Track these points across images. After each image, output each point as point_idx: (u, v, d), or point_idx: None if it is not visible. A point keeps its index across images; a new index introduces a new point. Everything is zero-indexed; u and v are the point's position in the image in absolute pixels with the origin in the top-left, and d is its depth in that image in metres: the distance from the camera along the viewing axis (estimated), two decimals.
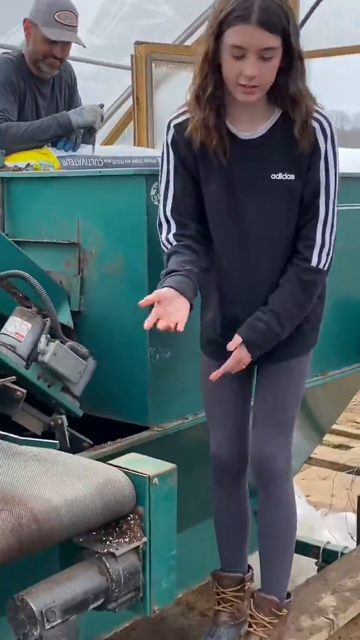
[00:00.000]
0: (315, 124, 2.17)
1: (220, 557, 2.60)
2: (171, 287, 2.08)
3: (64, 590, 1.62)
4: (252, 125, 2.19)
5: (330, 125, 2.19)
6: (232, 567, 2.57)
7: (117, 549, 1.67)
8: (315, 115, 2.17)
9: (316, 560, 3.45)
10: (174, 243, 2.23)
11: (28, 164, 3.02)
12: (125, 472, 1.73)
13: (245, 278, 2.30)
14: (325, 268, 2.28)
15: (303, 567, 3.60)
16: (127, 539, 1.70)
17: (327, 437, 4.19)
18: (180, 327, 2.07)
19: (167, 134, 2.25)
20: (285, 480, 2.41)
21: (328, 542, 3.54)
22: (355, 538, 3.66)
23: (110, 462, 1.80)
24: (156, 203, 2.35)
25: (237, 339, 2.22)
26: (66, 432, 2.26)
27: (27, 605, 1.55)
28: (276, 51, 2.04)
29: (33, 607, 1.55)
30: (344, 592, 2.78)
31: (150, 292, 2.31)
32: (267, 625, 2.38)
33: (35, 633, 1.56)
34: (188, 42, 6.68)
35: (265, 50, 2.02)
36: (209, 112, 2.13)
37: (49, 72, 3.51)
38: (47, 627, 1.56)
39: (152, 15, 6.32)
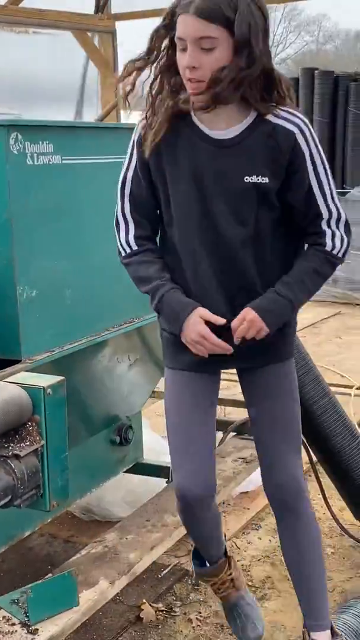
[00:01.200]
0: (293, 128, 2.06)
1: (204, 557, 2.61)
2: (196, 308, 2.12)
3: None
4: (227, 125, 2.08)
5: (308, 127, 2.09)
6: (218, 558, 2.59)
7: (20, 451, 1.91)
8: (291, 117, 2.06)
9: (167, 480, 3.78)
10: (135, 247, 2.22)
11: None
12: (21, 387, 1.96)
13: (212, 282, 2.18)
14: (342, 254, 2.19)
15: (153, 488, 3.95)
16: (28, 443, 1.94)
17: None
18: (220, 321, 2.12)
19: (134, 133, 2.20)
20: (307, 496, 2.37)
21: None
22: None
23: (5, 380, 2.02)
24: (15, 150, 2.50)
25: (244, 310, 2.12)
26: None
27: None
28: (216, 41, 1.92)
29: None
30: None
31: (14, 236, 2.54)
32: None
33: None
34: None
35: (202, 40, 1.92)
36: (164, 111, 2.07)
37: None
38: None
39: None
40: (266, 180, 2.07)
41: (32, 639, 2.19)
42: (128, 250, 2.23)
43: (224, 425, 3.93)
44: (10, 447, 1.92)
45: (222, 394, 4.35)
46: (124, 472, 3.84)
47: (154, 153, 2.11)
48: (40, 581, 2.38)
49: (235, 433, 3.85)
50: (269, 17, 2.01)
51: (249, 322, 2.08)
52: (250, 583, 3.39)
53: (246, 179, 2.07)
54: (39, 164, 2.62)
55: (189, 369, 2.24)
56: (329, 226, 2.15)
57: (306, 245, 2.23)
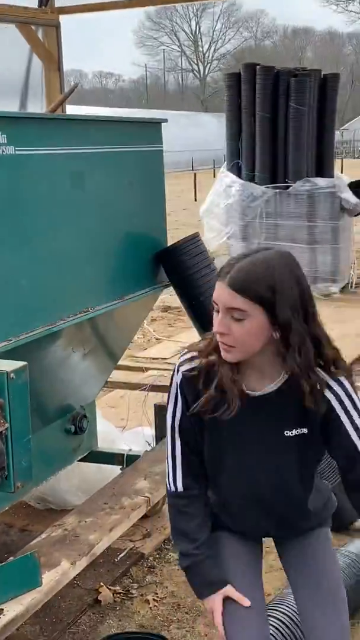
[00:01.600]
0: (330, 395, 2.02)
1: None
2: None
3: None
4: (261, 381, 2.04)
5: (346, 392, 2.04)
6: None
7: None
8: (331, 384, 2.02)
9: (121, 467, 3.85)
10: (181, 489, 2.16)
11: None
12: None
13: (247, 517, 2.20)
14: None
15: (107, 476, 4.01)
16: None
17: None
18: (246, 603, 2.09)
19: (174, 376, 2.13)
20: None
21: (130, 449, 3.92)
22: (152, 445, 4.12)
23: None
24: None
25: None
26: None
27: None
28: (247, 314, 1.91)
29: None
30: (154, 477, 3.25)
31: None
32: None
33: None
34: None
35: (233, 310, 1.91)
36: (225, 369, 2.00)
37: None
38: None
39: None
40: (305, 431, 2.06)
41: (4, 619, 2.24)
42: (173, 489, 2.17)
43: None
44: None
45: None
46: (79, 460, 3.87)
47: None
48: (3, 563, 2.43)
49: None
50: (308, 287, 2.00)
51: None
52: None
53: (286, 433, 2.06)
54: None
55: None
56: None
57: None
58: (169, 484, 2.18)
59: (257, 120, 9.25)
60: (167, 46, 64.65)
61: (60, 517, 3.87)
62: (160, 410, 4.07)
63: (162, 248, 3.75)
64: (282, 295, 1.90)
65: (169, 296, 5.03)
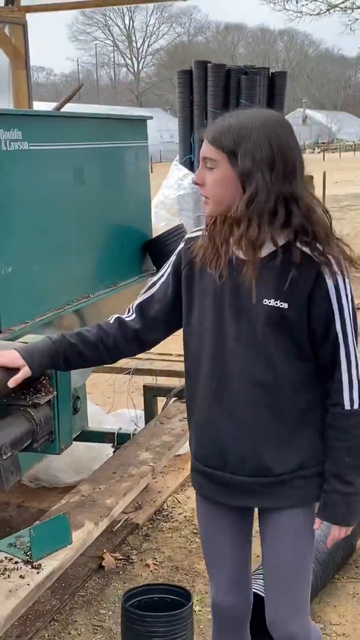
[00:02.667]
0: (325, 262, 1.99)
1: None
2: (20, 353, 2.11)
3: (7, 434, 2.12)
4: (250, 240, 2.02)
5: (339, 263, 1.99)
6: None
7: (38, 401, 2.18)
8: (328, 252, 1.99)
9: (112, 444, 4.07)
10: (111, 321, 2.23)
11: None
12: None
13: (222, 415, 2.10)
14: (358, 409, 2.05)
15: (98, 454, 4.22)
16: (43, 394, 2.21)
17: None
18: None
19: (176, 253, 2.22)
20: None
21: (120, 428, 4.13)
22: (138, 425, 4.34)
23: (16, 340, 2.28)
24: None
25: (317, 521, 2.10)
26: None
27: None
28: (216, 163, 1.98)
29: None
30: (155, 449, 3.49)
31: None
32: None
33: None
34: None
35: (206, 160, 2.00)
36: (215, 240, 2.05)
37: None
38: (3, 458, 2.06)
39: None
40: (285, 306, 2.00)
41: (37, 572, 2.46)
42: (110, 321, 2.25)
43: (166, 391, 4.27)
44: (27, 399, 2.18)
45: (156, 364, 4.72)
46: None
47: (188, 267, 2.15)
48: (39, 523, 2.64)
49: (176, 398, 4.19)
50: (296, 153, 2.00)
51: (335, 537, 2.11)
52: (195, 531, 3.75)
53: (265, 302, 2.01)
54: (12, 150, 2.82)
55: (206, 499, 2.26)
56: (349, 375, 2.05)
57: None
58: (112, 318, 2.24)
59: (208, 116, 9.50)
60: (101, 41, 64.46)
61: (53, 494, 4.10)
62: (149, 390, 4.31)
63: (148, 239, 4.01)
64: (246, 147, 1.93)
65: None
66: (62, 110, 4.34)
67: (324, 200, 18.10)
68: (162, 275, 2.24)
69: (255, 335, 2.02)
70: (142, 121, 3.99)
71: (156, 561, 3.51)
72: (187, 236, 2.20)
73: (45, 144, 3.07)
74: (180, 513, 3.97)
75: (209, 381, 2.10)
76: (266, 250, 1.98)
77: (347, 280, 2.01)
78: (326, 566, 3.20)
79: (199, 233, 2.13)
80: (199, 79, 9.59)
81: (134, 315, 2.23)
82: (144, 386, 4.41)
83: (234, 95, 9.41)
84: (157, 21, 62.50)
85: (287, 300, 1.99)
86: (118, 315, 2.24)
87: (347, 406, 2.03)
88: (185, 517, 3.91)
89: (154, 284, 2.25)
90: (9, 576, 2.45)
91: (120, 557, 3.54)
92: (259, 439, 2.07)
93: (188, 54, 50.93)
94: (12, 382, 2.07)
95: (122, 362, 5.19)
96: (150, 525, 3.84)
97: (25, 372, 2.08)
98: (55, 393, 2.23)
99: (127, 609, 2.54)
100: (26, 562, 2.50)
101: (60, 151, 3.20)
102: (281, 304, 1.99)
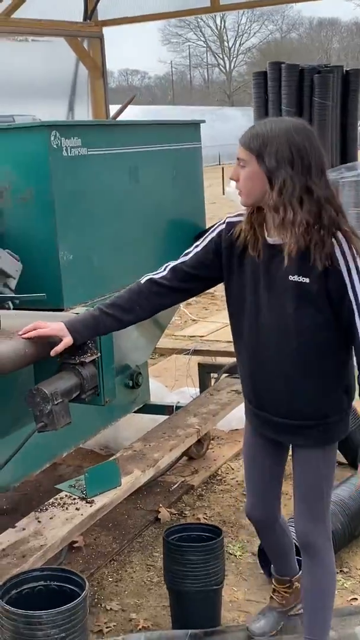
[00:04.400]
0: (334, 243, 2.32)
1: (273, 566, 2.99)
2: (65, 325, 2.52)
3: (59, 384, 2.56)
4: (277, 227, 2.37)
5: (351, 244, 2.34)
6: (282, 574, 2.94)
7: (84, 359, 2.65)
8: (337, 234, 2.33)
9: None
10: (142, 281, 2.63)
11: None
12: None
13: (259, 370, 2.53)
14: None
15: None
16: (89, 355, 2.67)
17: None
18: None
19: (219, 224, 2.59)
20: (325, 555, 2.65)
21: (178, 402, 4.54)
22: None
23: (69, 312, 2.77)
24: (55, 146, 3.11)
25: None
26: None
27: (41, 391, 2.50)
28: (247, 162, 2.35)
29: (46, 391, 2.50)
30: (202, 415, 3.95)
31: (56, 213, 3.16)
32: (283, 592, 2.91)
33: (47, 408, 2.51)
34: None
35: (239, 160, 2.37)
36: (254, 226, 2.44)
37: None
38: (55, 403, 2.52)
39: None
40: (307, 280, 2.35)
41: (89, 506, 2.95)
42: (142, 280, 2.66)
43: (217, 368, 4.70)
44: (76, 357, 2.64)
45: (213, 346, 5.16)
46: (135, 412, 4.46)
47: (226, 246, 2.54)
48: (93, 466, 3.14)
49: (227, 374, 4.59)
50: (316, 156, 2.34)
51: None
52: (244, 493, 4.13)
53: (290, 278, 2.37)
54: (73, 155, 3.24)
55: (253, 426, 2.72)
56: None
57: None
58: (146, 276, 2.66)
59: (283, 115, 9.87)
60: (193, 42, 64.96)
61: None
62: (203, 368, 4.75)
63: (202, 229, 4.41)
64: (270, 149, 2.30)
65: None
66: (122, 117, 4.79)
67: None
68: (198, 247, 2.62)
69: (284, 306, 2.40)
70: (195, 125, 4.37)
71: (206, 516, 3.90)
72: (227, 219, 2.56)
73: (102, 149, 3.46)
74: (233, 478, 4.34)
75: (249, 340, 2.53)
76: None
77: (357, 257, 2.34)
78: (355, 519, 3.55)
79: (239, 218, 2.50)
80: (273, 79, 9.98)
81: (165, 273, 2.63)
82: (199, 364, 4.84)
83: (307, 94, 9.75)
84: (248, 20, 62.40)
85: (307, 276, 2.34)
86: (149, 275, 2.65)
87: None
88: (236, 481, 4.28)
89: (188, 252, 2.64)
90: (67, 508, 2.95)
91: (175, 512, 3.95)
92: (289, 391, 2.49)
93: (281, 51, 50.82)
94: (52, 352, 2.51)
95: (182, 344, 5.69)
96: (204, 487, 4.22)
97: (66, 342, 2.50)
98: (99, 354, 2.67)
99: (168, 542, 2.98)
100: (82, 499, 3.00)
101: (116, 154, 3.58)
102: (303, 279, 2.35)
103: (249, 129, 2.43)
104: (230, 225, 2.53)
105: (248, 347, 2.55)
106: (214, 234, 2.59)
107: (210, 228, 2.67)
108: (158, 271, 2.66)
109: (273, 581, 2.99)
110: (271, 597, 3.00)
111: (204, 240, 2.62)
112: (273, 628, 2.95)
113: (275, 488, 2.79)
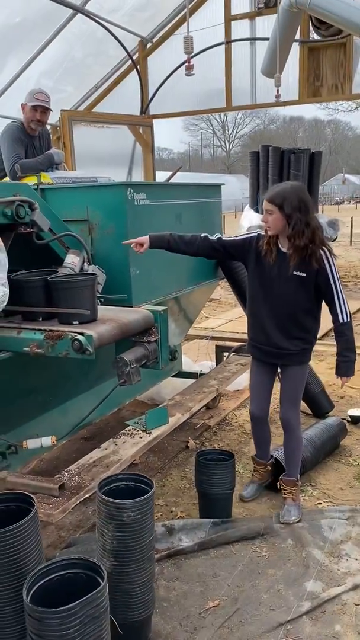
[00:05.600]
0: (322, 253, 2.65)
1: (256, 452, 3.19)
2: (150, 238, 2.87)
3: (134, 354, 2.61)
4: (287, 246, 2.72)
5: (330, 254, 2.66)
6: (262, 458, 3.17)
7: (149, 339, 2.70)
8: (323, 248, 2.65)
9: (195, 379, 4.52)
10: (202, 236, 2.91)
11: (41, 182, 3.55)
12: (149, 310, 2.75)
13: (268, 321, 2.83)
14: (349, 319, 2.70)
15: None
16: (152, 336, 2.71)
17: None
18: (138, 250, 2.86)
19: (253, 233, 2.86)
20: (296, 429, 2.95)
21: (201, 371, 4.55)
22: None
23: (140, 308, 2.82)
24: (129, 198, 3.16)
25: (342, 379, 2.76)
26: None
27: (123, 359, 2.54)
28: (272, 212, 2.62)
29: (126, 359, 2.55)
30: (220, 379, 3.96)
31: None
32: (292, 491, 3.02)
33: (127, 370, 2.56)
34: (80, 108, 7.33)
35: (267, 210, 2.65)
36: (272, 244, 2.75)
37: (36, 129, 4.10)
38: (132, 367, 2.58)
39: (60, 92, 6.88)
40: (305, 275, 2.68)
41: (148, 435, 2.99)
42: (201, 236, 2.95)
43: (228, 349, 4.72)
44: (145, 338, 2.69)
45: (224, 335, 5.15)
46: (172, 376, 4.50)
47: (252, 250, 2.84)
48: (150, 409, 3.18)
49: (234, 352, 4.62)
50: (309, 204, 2.62)
51: (345, 382, 2.78)
52: (244, 431, 4.17)
53: (295, 273, 2.69)
54: (140, 204, 3.29)
55: (257, 359, 2.98)
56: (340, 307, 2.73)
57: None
58: (207, 235, 2.96)
59: (269, 181, 9.87)
60: (204, 130, 64.76)
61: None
62: (219, 349, 4.76)
63: None
64: (287, 202, 2.59)
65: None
66: (171, 180, 4.83)
67: (352, 236, 17.92)
68: (239, 239, 2.88)
69: (290, 287, 2.72)
70: (217, 186, 4.37)
71: (219, 446, 3.93)
72: (258, 233, 2.85)
73: (159, 201, 3.48)
74: (236, 422, 4.36)
75: (264, 302, 2.81)
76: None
77: (333, 260, 2.67)
78: (319, 450, 3.59)
79: (262, 234, 2.80)
80: (263, 157, 9.95)
81: (214, 239, 2.91)
82: (216, 346, 4.87)
83: (286, 167, 9.72)
84: (242, 115, 62.11)
85: (305, 272, 2.67)
86: (206, 234, 2.93)
87: (341, 320, 2.72)
88: (238, 424, 4.30)
89: (231, 238, 2.91)
90: (133, 436, 3.00)
91: (198, 443, 3.98)
92: (285, 333, 2.80)
93: (264, 137, 50.79)
94: (139, 250, 2.85)
95: (203, 333, 5.71)
96: (217, 427, 4.25)
97: (146, 245, 2.87)
98: (159, 336, 2.71)
99: (199, 460, 3.01)
100: (143, 430, 3.05)
101: (168, 205, 3.61)
102: (302, 274, 2.68)
103: (271, 190, 2.67)
104: (259, 237, 2.83)
105: (263, 307, 2.81)
106: (251, 236, 2.87)
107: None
108: (212, 237, 2.94)
109: (255, 464, 3.20)
110: (253, 475, 3.22)
111: (244, 235, 2.89)
112: (255, 494, 3.17)
113: (268, 393, 3.03)
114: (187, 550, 2.70)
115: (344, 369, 2.74)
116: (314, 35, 6.55)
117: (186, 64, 4.64)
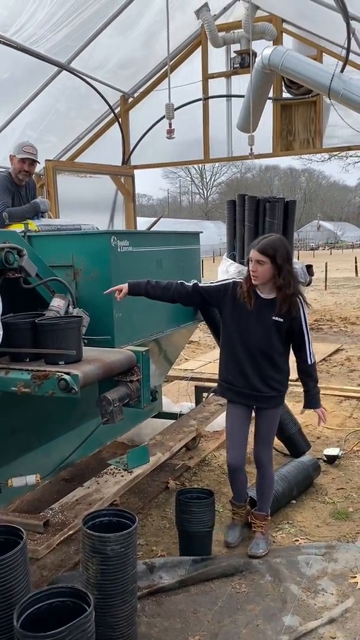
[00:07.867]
0: (297, 301, 2.83)
1: (233, 495, 3.25)
2: (128, 283, 2.99)
3: (117, 393, 2.71)
4: (267, 293, 2.87)
5: (304, 302, 2.86)
6: (239, 501, 3.26)
7: (132, 379, 2.81)
8: (298, 296, 2.83)
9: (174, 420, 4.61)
10: (177, 282, 3.04)
11: (28, 229, 3.67)
12: (132, 350, 2.87)
13: (247, 365, 2.93)
14: (314, 361, 2.96)
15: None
16: (134, 376, 2.82)
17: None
18: (117, 296, 2.96)
19: (230, 280, 2.98)
20: (269, 467, 3.10)
21: (181, 411, 4.64)
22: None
23: (122, 348, 2.94)
24: (113, 245, 3.32)
25: (316, 411, 2.94)
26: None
27: (106, 398, 2.64)
28: (264, 263, 2.75)
29: (109, 398, 2.65)
30: (199, 419, 4.05)
31: (112, 287, 3.31)
32: (262, 525, 3.16)
33: (110, 409, 2.66)
34: (63, 158, 7.60)
35: (258, 261, 2.78)
36: (250, 290, 2.88)
37: (23, 180, 4.27)
38: (115, 406, 2.67)
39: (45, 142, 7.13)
40: (282, 320, 2.84)
41: (130, 473, 3.07)
42: (184, 283, 3.07)
43: (207, 389, 4.82)
44: (127, 377, 2.79)
45: (202, 375, 5.26)
46: (152, 417, 4.59)
47: (230, 297, 2.95)
48: (132, 449, 3.26)
49: (214, 393, 4.71)
50: (292, 255, 2.84)
51: (321, 415, 2.94)
52: (222, 472, 4.23)
53: (273, 318, 2.85)
54: (123, 251, 3.41)
55: (232, 401, 3.05)
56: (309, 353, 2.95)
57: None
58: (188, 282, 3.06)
59: (245, 228, 10.16)
60: (183, 177, 66.39)
61: None
62: (199, 390, 4.85)
63: None
64: (278, 254, 2.75)
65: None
66: (152, 229, 5.03)
67: (326, 280, 18.42)
68: (214, 286, 3.00)
69: (266, 333, 2.85)
70: (196, 234, 4.59)
71: (199, 486, 3.98)
72: (235, 280, 2.96)
73: (141, 248, 3.62)
74: (216, 462, 4.41)
75: (240, 346, 2.91)
76: (275, 294, 2.84)
77: (305, 308, 2.87)
78: (291, 485, 3.66)
79: (240, 281, 2.92)
80: (240, 205, 10.20)
81: (191, 285, 3.01)
82: (195, 386, 4.97)
83: (261, 215, 10.02)
84: (219, 164, 63.96)
85: (282, 318, 2.84)
86: (182, 281, 3.05)
87: (309, 362, 2.94)
88: (218, 464, 4.36)
89: (207, 285, 3.03)
90: (115, 475, 3.07)
91: (178, 483, 4.02)
92: (262, 376, 2.92)
93: (240, 185, 52.24)
94: (119, 296, 2.96)
95: (182, 374, 5.82)
96: (197, 468, 4.30)
97: (125, 291, 2.97)
98: (141, 376, 2.83)
99: (179, 499, 3.07)
100: (125, 469, 3.12)
101: (149, 251, 3.75)
102: (279, 319, 2.85)
103: (261, 241, 2.79)
104: (236, 284, 2.95)
105: (241, 351, 2.91)
106: (226, 283, 2.98)
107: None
108: (188, 283, 3.05)
109: (233, 508, 3.27)
110: (233, 518, 3.29)
111: (219, 282, 3.00)
112: (240, 537, 3.21)
113: (244, 441, 3.06)
114: (168, 587, 2.75)
115: (318, 401, 2.97)
116: (287, 94, 6.99)
117: (167, 128, 4.90)
